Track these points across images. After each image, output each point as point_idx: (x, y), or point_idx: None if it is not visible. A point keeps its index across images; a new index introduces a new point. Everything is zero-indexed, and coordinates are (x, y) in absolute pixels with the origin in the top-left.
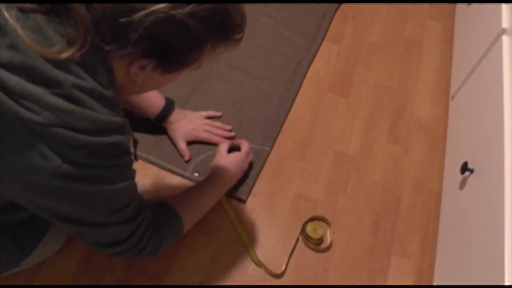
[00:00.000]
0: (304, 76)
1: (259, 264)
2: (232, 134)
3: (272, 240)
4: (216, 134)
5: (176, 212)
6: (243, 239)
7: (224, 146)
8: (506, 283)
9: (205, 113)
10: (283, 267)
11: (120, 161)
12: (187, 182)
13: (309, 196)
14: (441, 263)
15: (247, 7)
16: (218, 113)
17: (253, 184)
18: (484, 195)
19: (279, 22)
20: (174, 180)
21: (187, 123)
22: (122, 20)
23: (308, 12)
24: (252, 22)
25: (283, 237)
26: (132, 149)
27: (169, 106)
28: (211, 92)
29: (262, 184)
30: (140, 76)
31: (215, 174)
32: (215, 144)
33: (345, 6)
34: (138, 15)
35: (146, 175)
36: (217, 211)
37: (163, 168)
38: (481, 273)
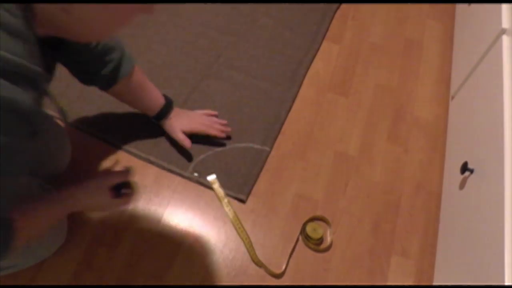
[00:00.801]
0: (304, 76)
1: (259, 264)
2: (228, 128)
3: (272, 240)
4: (213, 127)
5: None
6: (243, 240)
7: (108, 180)
8: (506, 283)
9: (202, 111)
10: (283, 267)
11: None
12: (187, 182)
13: (309, 196)
14: (441, 263)
15: (247, 7)
16: (215, 112)
17: (253, 184)
18: (484, 195)
19: (279, 22)
20: (174, 180)
21: (184, 117)
22: None
23: (308, 12)
24: (252, 22)
25: (283, 237)
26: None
27: (169, 105)
28: (211, 92)
29: (262, 184)
30: (75, 5)
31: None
32: (215, 145)
33: (345, 6)
34: None
35: (146, 175)
36: (217, 211)
37: (163, 168)
38: (481, 273)
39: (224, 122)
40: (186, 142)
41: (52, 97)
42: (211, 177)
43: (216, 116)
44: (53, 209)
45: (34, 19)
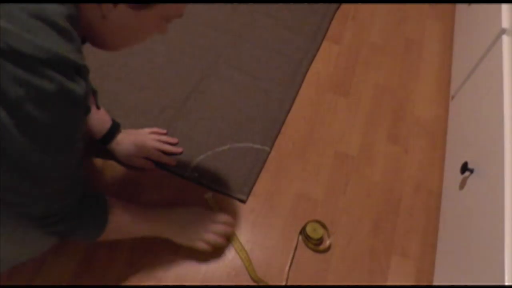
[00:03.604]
0: (304, 76)
1: (259, 282)
2: (180, 149)
3: (272, 241)
4: (164, 150)
5: (106, 221)
6: (241, 258)
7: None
8: (506, 283)
9: (148, 130)
10: (284, 282)
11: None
12: (187, 182)
13: (309, 196)
14: (441, 263)
15: (247, 7)
16: (164, 130)
17: (253, 184)
18: (484, 195)
19: (279, 22)
20: (175, 180)
21: (134, 141)
22: None
23: (308, 12)
24: (252, 22)
25: (283, 238)
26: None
27: (116, 126)
28: (211, 92)
29: (262, 184)
30: (113, 12)
31: (170, 219)
32: (215, 145)
33: (345, 6)
34: None
35: (147, 175)
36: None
37: (163, 168)
38: (481, 273)
39: (175, 141)
40: (149, 164)
41: (91, 88)
42: (208, 195)
43: (165, 134)
44: (143, 215)
45: (79, 21)
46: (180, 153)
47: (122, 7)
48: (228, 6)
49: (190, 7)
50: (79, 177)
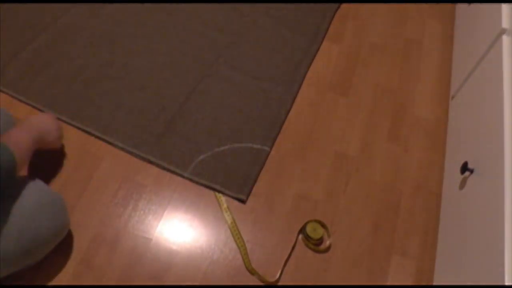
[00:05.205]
0: (304, 76)
1: (252, 272)
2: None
3: (272, 241)
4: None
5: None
6: (238, 247)
7: None
8: (506, 283)
9: None
10: (277, 275)
11: None
12: (187, 182)
13: (309, 196)
14: (441, 263)
15: (247, 7)
16: None
17: (253, 184)
18: (484, 195)
19: (279, 22)
20: (174, 180)
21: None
22: None
23: (308, 12)
24: (252, 22)
25: (283, 238)
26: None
27: None
28: (211, 92)
29: (262, 184)
30: None
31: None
32: (214, 145)
33: (345, 6)
34: None
35: (146, 175)
36: (217, 211)
37: (163, 168)
38: (481, 273)
39: None
40: None
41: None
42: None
43: None
44: (24, 134)
45: None
46: None
47: None
48: (228, 6)
49: (190, 7)
50: None
